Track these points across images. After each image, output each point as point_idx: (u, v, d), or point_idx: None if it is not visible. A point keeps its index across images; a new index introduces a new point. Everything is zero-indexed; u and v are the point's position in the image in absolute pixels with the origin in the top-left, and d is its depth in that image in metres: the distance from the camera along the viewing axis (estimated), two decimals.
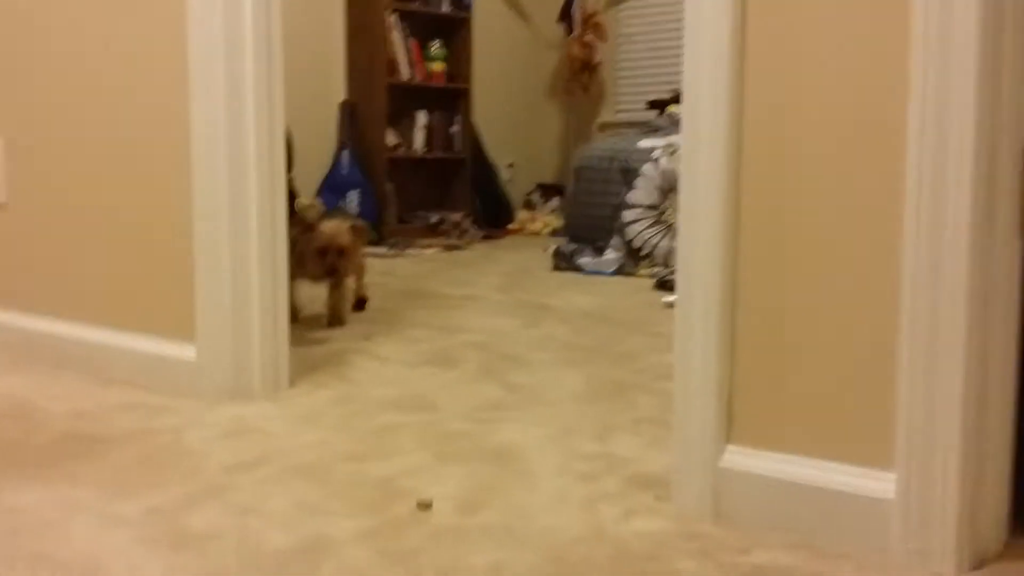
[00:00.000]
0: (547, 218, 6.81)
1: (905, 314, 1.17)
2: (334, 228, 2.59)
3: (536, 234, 6.53)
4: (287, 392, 1.97)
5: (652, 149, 4.36)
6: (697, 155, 1.31)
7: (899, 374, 1.19)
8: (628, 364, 2.32)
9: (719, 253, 1.29)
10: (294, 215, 2.27)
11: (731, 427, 1.31)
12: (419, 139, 6.19)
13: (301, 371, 2.12)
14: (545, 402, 1.94)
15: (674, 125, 4.84)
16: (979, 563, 1.18)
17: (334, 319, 2.72)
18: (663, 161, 4.28)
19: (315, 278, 2.65)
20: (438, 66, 6.15)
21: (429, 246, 5.52)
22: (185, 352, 1.94)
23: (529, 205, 7.04)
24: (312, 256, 2.56)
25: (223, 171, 1.88)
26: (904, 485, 1.19)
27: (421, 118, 6.17)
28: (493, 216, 6.54)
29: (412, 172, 6.13)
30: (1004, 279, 1.18)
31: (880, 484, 1.21)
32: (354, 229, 2.66)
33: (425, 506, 1.32)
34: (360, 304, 2.98)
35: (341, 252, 2.60)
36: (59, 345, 2.12)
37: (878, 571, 1.15)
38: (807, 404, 1.26)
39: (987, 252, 1.15)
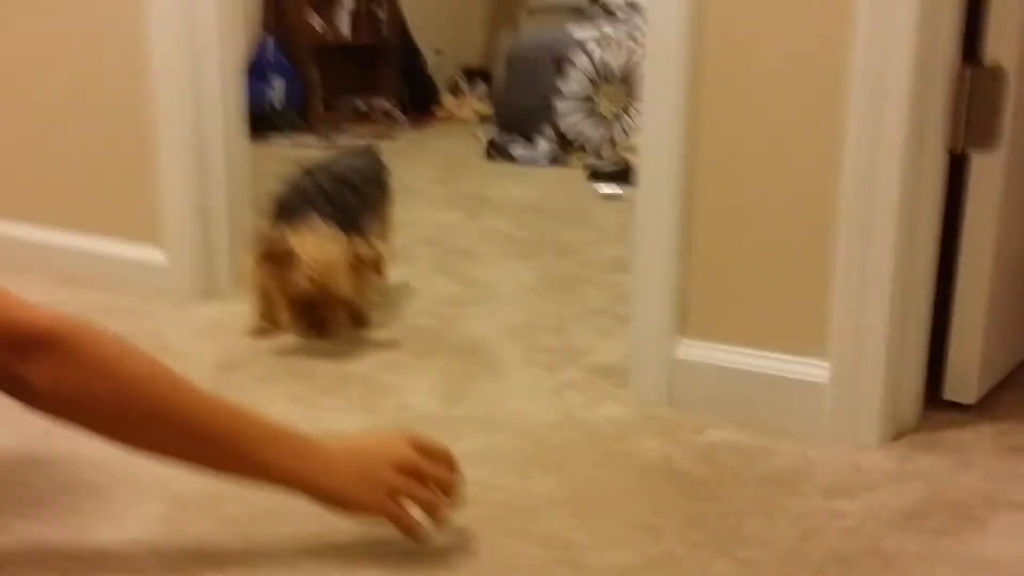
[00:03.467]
0: (475, 104, 6.82)
1: (842, 218, 1.32)
2: (328, 260, 1.58)
3: (464, 121, 6.55)
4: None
5: (585, 39, 4.41)
6: (658, 55, 1.41)
7: (834, 274, 1.34)
8: (572, 256, 2.46)
9: (679, 154, 1.41)
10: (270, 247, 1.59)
11: (685, 322, 1.46)
12: (345, 24, 6.10)
13: None
14: (501, 296, 2.07)
15: (608, 15, 4.89)
16: (898, 435, 1.36)
17: (357, 317, 1.79)
18: (596, 51, 4.35)
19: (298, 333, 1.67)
20: None
21: (358, 136, 5.52)
22: (153, 255, 2.01)
23: (455, 90, 7.03)
24: (286, 303, 1.61)
25: (186, 68, 1.91)
26: (836, 371, 1.36)
27: (347, 2, 6.06)
28: (420, 102, 6.53)
29: (338, 58, 6.05)
30: (930, 189, 1.33)
31: (816, 370, 1.37)
32: (357, 261, 1.63)
33: None
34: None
35: (336, 304, 1.62)
36: (24, 249, 2.15)
37: (814, 444, 1.32)
38: (753, 300, 1.41)
39: (917, 163, 1.29)
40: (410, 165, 4.08)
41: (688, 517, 1.13)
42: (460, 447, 1.26)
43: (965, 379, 1.45)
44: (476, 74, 7.15)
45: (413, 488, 0.99)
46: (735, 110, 1.37)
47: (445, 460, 1.02)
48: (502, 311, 1.94)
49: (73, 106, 2.08)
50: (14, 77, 2.15)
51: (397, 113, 6.08)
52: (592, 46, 4.38)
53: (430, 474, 1.00)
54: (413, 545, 1.02)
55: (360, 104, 6.10)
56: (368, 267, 1.63)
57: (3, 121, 2.20)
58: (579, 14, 4.93)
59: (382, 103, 6.16)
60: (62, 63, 2.08)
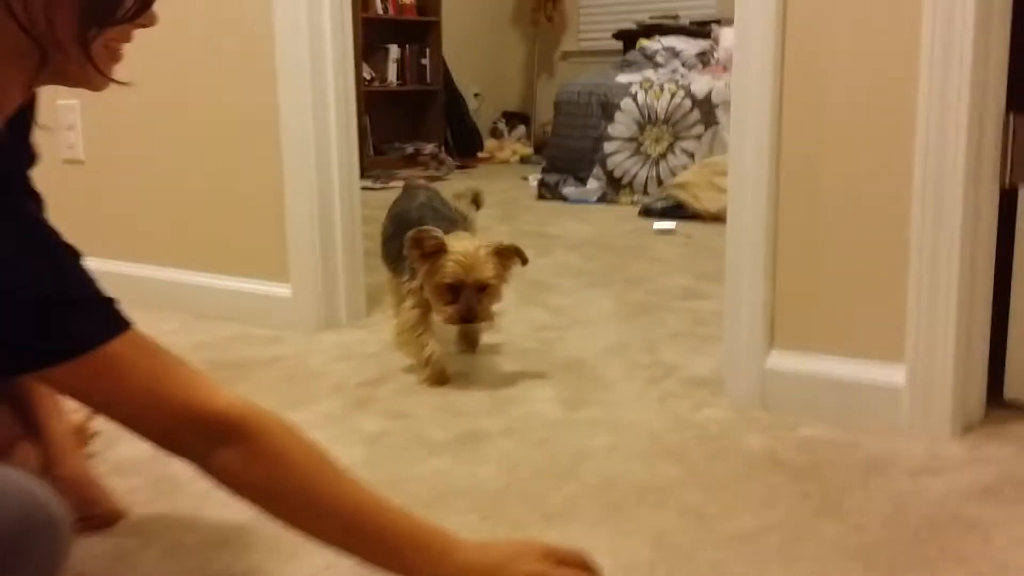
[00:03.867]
0: (515, 146, 7.10)
1: (914, 243, 1.53)
2: (470, 254, 1.75)
3: (505, 162, 6.82)
4: (367, 320, 2.30)
5: (629, 84, 4.67)
6: (744, 98, 1.64)
7: (908, 290, 1.55)
8: (642, 286, 2.68)
9: (765, 186, 1.63)
10: (420, 234, 1.75)
11: (774, 334, 1.68)
12: (392, 72, 6.40)
13: (370, 303, 2.43)
14: (587, 321, 2.29)
15: (647, 59, 5.16)
16: (967, 429, 1.57)
17: (468, 339, 2.05)
18: (640, 95, 4.60)
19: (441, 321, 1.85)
20: (409, 0, 6.35)
21: (410, 177, 5.79)
22: (280, 291, 2.25)
23: (496, 133, 7.31)
24: (436, 293, 1.78)
25: (310, 132, 2.17)
26: (912, 375, 1.57)
27: (393, 51, 6.37)
28: (464, 145, 6.82)
29: (386, 105, 6.35)
30: (986, 217, 1.55)
31: (893, 374, 1.58)
32: (500, 253, 1.79)
33: None
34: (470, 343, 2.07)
35: (483, 289, 1.77)
36: (166, 289, 2.40)
37: (895, 438, 1.54)
38: (835, 314, 1.63)
39: (975, 196, 1.51)
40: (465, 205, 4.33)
41: (796, 493, 1.35)
42: (589, 445, 1.49)
43: (1023, 381, 1.66)
44: (515, 116, 7.44)
45: None
46: (815, 148, 1.60)
47: (582, 565, 1.03)
48: (593, 335, 2.16)
49: (210, 162, 2.34)
50: (160, 142, 2.42)
51: (444, 156, 6.36)
52: (636, 90, 4.64)
53: None
54: None
55: (408, 148, 6.39)
56: (511, 256, 1.80)
57: (147, 177, 2.46)
58: (624, 62, 5.18)
59: (429, 147, 6.45)
60: (200, 124, 2.34)
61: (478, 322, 1.82)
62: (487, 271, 1.75)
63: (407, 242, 1.75)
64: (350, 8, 2.23)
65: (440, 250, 1.74)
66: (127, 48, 1.00)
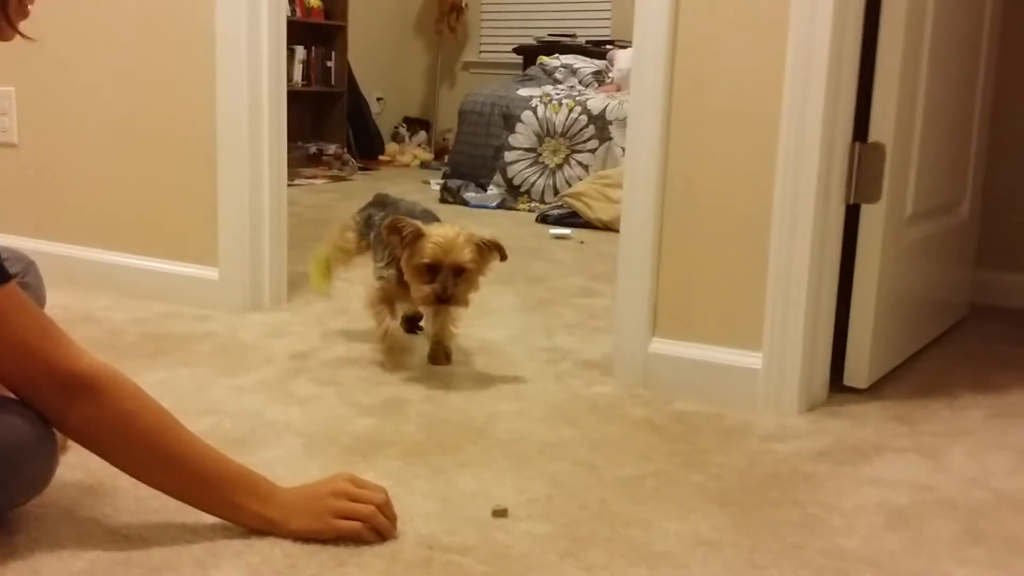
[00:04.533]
0: (415, 151, 7.31)
1: (772, 251, 1.83)
2: (449, 238, 1.84)
3: (406, 166, 7.03)
4: (288, 305, 2.49)
5: (530, 97, 4.96)
6: (638, 127, 1.91)
7: (767, 289, 1.85)
8: (541, 284, 2.95)
9: (653, 208, 1.91)
10: (397, 222, 1.85)
11: (656, 324, 1.96)
12: (298, 72, 6.53)
13: (291, 289, 2.61)
14: (494, 312, 2.54)
15: (547, 75, 5.45)
16: (812, 407, 1.87)
17: (438, 352, 2.05)
18: (540, 108, 4.88)
19: (418, 302, 1.95)
20: (315, 2, 6.50)
21: (315, 176, 5.95)
22: (208, 273, 2.43)
23: (397, 138, 7.50)
24: (415, 274, 1.85)
25: (244, 124, 2.35)
26: (767, 361, 1.86)
27: (300, 52, 6.51)
28: (365, 148, 6.99)
29: (291, 104, 6.45)
30: (833, 225, 1.86)
31: (752, 360, 1.87)
32: (480, 245, 1.88)
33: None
34: (441, 355, 2.07)
35: (459, 273, 1.84)
36: (96, 269, 2.54)
37: (752, 413, 1.82)
38: (707, 307, 1.91)
39: (824, 211, 1.82)
40: None
41: (670, 451, 1.62)
42: (500, 409, 1.74)
43: (859, 370, 1.98)
44: (416, 122, 7.66)
45: (350, 505, 1.22)
46: (696, 164, 1.88)
47: (378, 488, 1.26)
48: (500, 323, 2.41)
49: (145, 148, 2.50)
50: (96, 129, 2.56)
51: (348, 157, 6.52)
52: (536, 103, 4.92)
53: (365, 496, 1.24)
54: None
55: (312, 147, 6.52)
56: (491, 250, 1.89)
57: (81, 161, 2.60)
58: (511, 71, 5.46)
59: (332, 147, 6.60)
60: (136, 110, 2.50)
61: (453, 304, 1.87)
62: (465, 255, 1.83)
63: (384, 228, 1.85)
64: (286, 8, 2.42)
65: (419, 236, 1.83)
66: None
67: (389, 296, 1.98)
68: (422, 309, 2.09)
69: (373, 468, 1.49)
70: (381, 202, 2.16)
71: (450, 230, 1.85)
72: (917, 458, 1.63)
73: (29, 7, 1.17)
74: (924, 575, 1.23)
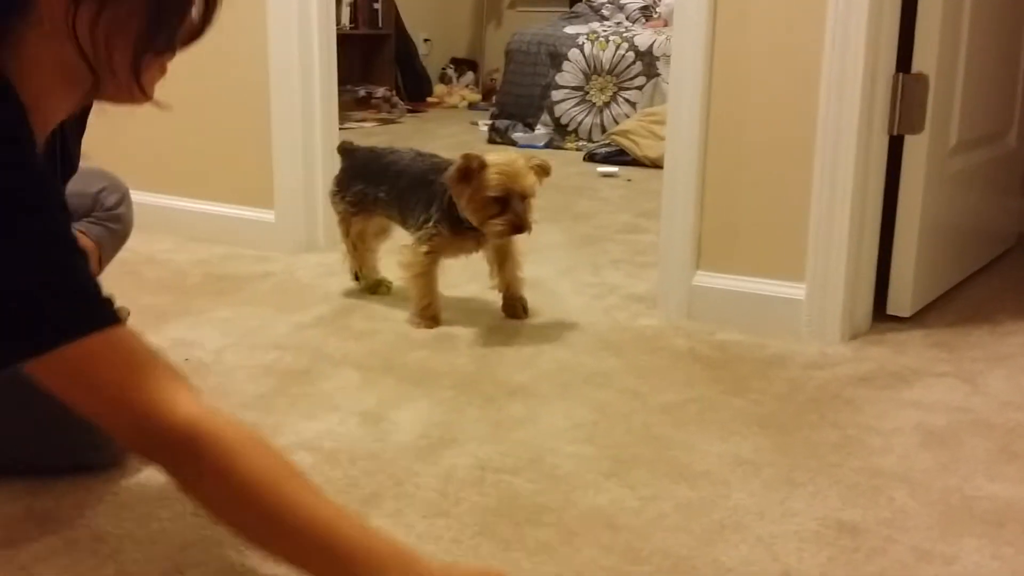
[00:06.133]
0: (463, 92, 7.32)
1: (815, 183, 1.85)
2: (513, 166, 1.76)
3: (454, 107, 7.05)
4: (342, 246, 2.56)
5: (577, 35, 4.94)
6: (682, 61, 1.94)
7: (809, 222, 1.88)
8: (588, 222, 2.99)
9: (696, 135, 1.94)
10: (468, 157, 1.77)
11: (699, 258, 2.00)
12: (345, 15, 6.56)
13: None
14: (541, 249, 2.59)
15: (593, 12, 5.42)
16: (855, 336, 1.91)
17: (515, 305, 1.99)
18: (587, 46, 4.87)
19: (472, 248, 1.93)
20: None
21: (364, 119, 6.00)
22: (265, 216, 2.51)
23: (445, 79, 7.51)
24: (481, 208, 1.77)
25: (295, 69, 2.41)
26: (810, 292, 1.90)
27: None
28: (413, 90, 7.01)
29: (339, 48, 6.50)
30: (876, 157, 1.88)
31: (795, 291, 1.91)
32: (538, 169, 1.83)
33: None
34: (518, 307, 2.01)
35: (524, 199, 1.78)
36: (159, 213, 2.64)
37: (794, 342, 1.87)
38: (750, 240, 1.95)
39: (867, 142, 1.83)
40: (424, 147, 4.58)
41: (711, 378, 1.67)
42: (547, 341, 1.81)
43: (902, 299, 2.00)
44: (464, 63, 7.65)
45: None
46: (739, 100, 1.90)
47: None
48: (548, 260, 2.47)
49: (200, 97, 2.57)
50: (165, 94, 2.63)
51: (396, 99, 6.56)
52: (583, 41, 4.90)
53: None
54: None
55: (360, 91, 6.57)
56: (541, 171, 1.84)
57: (142, 112, 2.68)
58: (558, 7, 5.43)
59: (381, 90, 6.64)
60: (191, 61, 2.56)
61: (525, 232, 1.81)
62: (530, 179, 1.76)
63: (456, 171, 1.76)
64: None
65: (483, 167, 1.75)
66: None
67: (439, 252, 1.90)
68: (488, 259, 2.00)
69: (427, 396, 1.56)
70: (367, 162, 2.05)
71: (509, 156, 1.80)
72: (956, 382, 1.67)
73: (167, 66, 1.06)
74: (956, 491, 1.28)
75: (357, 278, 2.15)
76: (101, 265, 1.70)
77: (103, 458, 1.28)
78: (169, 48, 0.98)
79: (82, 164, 1.20)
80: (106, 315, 0.92)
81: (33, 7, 0.88)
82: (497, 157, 1.80)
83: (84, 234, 1.65)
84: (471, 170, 1.76)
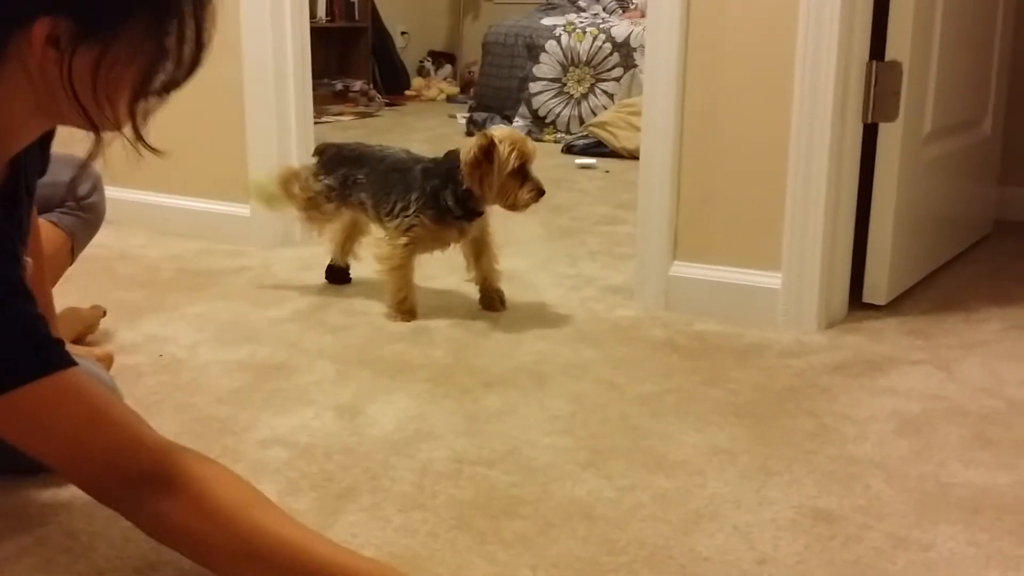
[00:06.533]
0: (441, 85, 7.30)
1: (790, 172, 1.86)
2: (518, 137, 1.83)
3: (432, 100, 7.03)
4: (318, 240, 2.54)
5: (554, 27, 4.93)
6: (656, 54, 1.93)
7: (784, 210, 1.88)
8: (566, 214, 2.98)
9: (672, 127, 1.93)
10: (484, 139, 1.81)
11: (676, 248, 2.00)
12: (321, 8, 6.52)
13: None
14: (519, 241, 2.59)
15: (570, 3, 5.41)
16: (831, 324, 1.91)
17: (492, 298, 2.00)
18: (564, 38, 4.86)
19: (454, 239, 1.94)
20: None
21: (342, 113, 5.98)
22: (240, 210, 2.49)
23: (423, 72, 7.49)
24: (507, 183, 1.81)
25: (269, 62, 2.40)
26: (786, 280, 1.90)
27: None
28: (391, 83, 6.98)
29: (315, 41, 6.45)
30: (850, 146, 1.88)
31: (771, 280, 1.91)
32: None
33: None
34: (495, 300, 2.01)
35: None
36: (132, 208, 2.61)
37: (771, 331, 1.87)
38: (726, 230, 1.95)
39: (841, 130, 1.84)
40: (402, 142, 4.57)
41: (688, 368, 1.67)
42: (524, 332, 1.80)
43: (878, 287, 2.01)
44: (441, 56, 7.63)
45: None
46: (713, 90, 1.90)
47: None
48: (525, 252, 2.46)
49: (178, 96, 2.54)
50: None
51: (374, 93, 6.53)
52: (560, 32, 4.89)
53: None
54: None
55: (338, 84, 6.54)
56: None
57: None
58: (548, 5, 5.42)
59: (359, 83, 6.61)
60: None
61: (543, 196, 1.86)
62: (532, 144, 1.86)
63: (478, 150, 1.79)
64: None
65: (493, 146, 1.79)
66: None
67: (417, 244, 1.90)
68: (464, 252, 2.00)
69: (403, 389, 1.56)
70: (341, 155, 2.02)
71: (506, 129, 1.86)
72: (932, 370, 1.67)
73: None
74: (931, 477, 1.28)
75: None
76: (74, 255, 1.69)
77: None
78: (164, 92, 1.00)
79: (54, 151, 1.17)
80: (55, 358, 0.91)
81: (10, 52, 0.88)
82: (499, 132, 1.83)
83: (56, 224, 1.63)
84: (491, 148, 1.79)
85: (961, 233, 2.45)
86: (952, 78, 2.13)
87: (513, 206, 1.85)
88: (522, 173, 1.82)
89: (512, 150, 1.79)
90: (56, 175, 1.55)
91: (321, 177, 2.01)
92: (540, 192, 1.84)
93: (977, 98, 2.39)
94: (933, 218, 2.20)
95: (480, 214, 1.91)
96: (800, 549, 1.11)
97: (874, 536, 1.13)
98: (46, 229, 1.55)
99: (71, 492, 1.21)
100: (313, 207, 2.02)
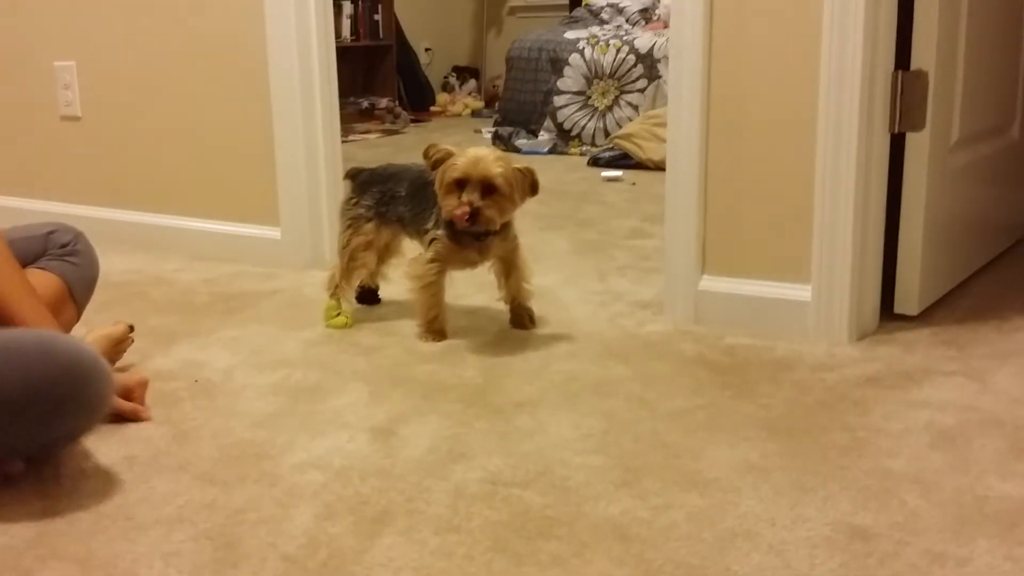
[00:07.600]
0: (466, 100, 7.34)
1: (817, 183, 1.85)
2: (479, 155, 1.78)
3: (457, 115, 7.06)
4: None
5: (577, 40, 4.95)
6: (681, 69, 1.94)
7: (813, 223, 1.87)
8: (593, 228, 2.99)
9: (698, 139, 1.94)
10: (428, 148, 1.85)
11: (705, 262, 2.00)
12: (346, 28, 6.58)
13: None
14: (546, 257, 2.60)
15: (593, 16, 5.43)
16: (862, 336, 1.91)
17: (522, 316, 1.99)
18: (587, 51, 4.88)
19: (476, 259, 1.92)
20: None
21: (368, 131, 6.02)
22: (271, 233, 2.52)
23: (447, 87, 7.53)
24: (446, 193, 1.79)
25: (296, 88, 2.42)
26: (816, 292, 1.90)
27: (347, 7, 6.54)
28: (416, 99, 7.03)
29: (340, 60, 6.50)
30: (878, 156, 1.88)
31: (802, 293, 1.91)
32: (514, 169, 1.82)
33: None
34: (525, 318, 2.01)
35: (491, 189, 1.78)
36: (165, 233, 2.66)
37: (800, 344, 1.86)
38: (755, 245, 1.95)
39: (868, 141, 1.83)
40: None
41: (720, 383, 1.67)
42: (554, 351, 1.81)
43: (909, 297, 2.00)
44: (465, 71, 7.67)
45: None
46: (738, 102, 1.90)
47: None
48: (553, 268, 2.47)
49: (202, 116, 2.58)
50: (155, 98, 2.65)
51: (399, 110, 6.58)
52: (584, 45, 4.91)
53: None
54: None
55: (364, 103, 6.58)
56: (526, 175, 1.84)
57: (143, 130, 2.70)
58: (558, 13, 5.44)
59: (384, 101, 6.65)
60: (192, 79, 2.58)
61: (480, 223, 1.79)
62: (494, 169, 1.76)
63: (430, 160, 1.82)
64: None
65: (449, 155, 1.80)
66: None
67: (445, 262, 1.89)
68: (495, 271, 1.99)
69: (436, 410, 1.57)
70: (375, 176, 2.02)
71: (482, 150, 1.82)
72: (965, 381, 1.66)
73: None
74: (968, 491, 1.28)
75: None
76: (75, 298, 1.70)
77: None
78: None
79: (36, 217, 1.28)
80: None
81: None
82: (471, 149, 1.82)
83: (44, 269, 1.65)
84: (439, 158, 1.81)
85: (991, 239, 2.43)
86: (978, 85, 2.12)
87: (449, 220, 1.82)
88: (461, 187, 1.77)
89: (459, 160, 1.78)
90: (33, 230, 1.64)
91: (356, 199, 2.00)
92: (462, 214, 1.76)
93: (1004, 104, 2.38)
94: (963, 226, 2.19)
95: (487, 233, 1.86)
96: (836, 567, 1.10)
97: (911, 552, 1.13)
98: (35, 276, 1.58)
99: (112, 518, 1.23)
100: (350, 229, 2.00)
